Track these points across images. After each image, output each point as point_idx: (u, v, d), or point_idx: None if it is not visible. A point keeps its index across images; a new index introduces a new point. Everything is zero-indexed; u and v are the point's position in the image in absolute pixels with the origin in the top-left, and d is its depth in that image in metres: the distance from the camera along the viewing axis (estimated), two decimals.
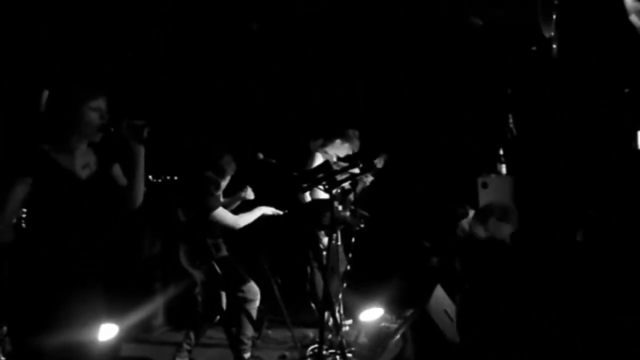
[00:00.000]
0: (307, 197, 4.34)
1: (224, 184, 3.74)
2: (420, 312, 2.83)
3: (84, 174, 2.35)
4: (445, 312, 3.18)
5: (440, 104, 4.82)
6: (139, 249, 4.49)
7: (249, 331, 3.64)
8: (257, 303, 3.61)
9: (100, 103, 2.33)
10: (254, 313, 3.57)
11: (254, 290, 3.61)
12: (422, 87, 4.91)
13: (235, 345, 3.57)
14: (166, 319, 4.66)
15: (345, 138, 4.48)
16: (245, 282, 3.60)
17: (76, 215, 2.31)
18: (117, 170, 2.51)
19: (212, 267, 3.46)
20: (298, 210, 4.00)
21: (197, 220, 3.52)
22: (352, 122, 4.50)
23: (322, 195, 4.36)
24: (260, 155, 4.01)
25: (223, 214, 3.51)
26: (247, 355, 3.64)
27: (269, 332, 4.36)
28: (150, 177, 4.55)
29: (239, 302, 3.55)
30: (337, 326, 3.45)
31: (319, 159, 4.41)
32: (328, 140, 4.50)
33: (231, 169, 3.73)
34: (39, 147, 2.27)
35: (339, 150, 4.44)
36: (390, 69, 4.96)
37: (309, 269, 4.49)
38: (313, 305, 4.48)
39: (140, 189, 2.46)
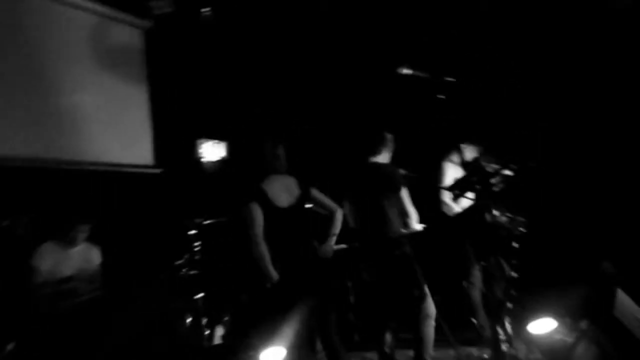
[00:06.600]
0: (454, 207, 4.19)
1: None
2: (608, 319, 2.54)
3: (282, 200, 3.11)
4: (636, 318, 2.83)
5: (593, 94, 4.42)
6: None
7: (430, 350, 3.51)
8: (433, 322, 3.51)
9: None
10: (432, 332, 3.47)
11: (432, 307, 3.53)
12: (572, 77, 4.56)
13: None
14: None
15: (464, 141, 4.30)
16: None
17: (279, 234, 3.10)
18: (315, 192, 3.26)
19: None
20: (450, 221, 3.87)
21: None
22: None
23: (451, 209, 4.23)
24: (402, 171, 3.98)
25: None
26: None
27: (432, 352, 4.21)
28: None
29: (420, 318, 3.47)
30: (509, 339, 3.22)
31: (449, 170, 4.28)
32: (451, 149, 4.36)
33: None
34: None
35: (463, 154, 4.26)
36: (538, 57, 4.68)
37: (464, 284, 4.30)
38: (474, 321, 4.27)
39: None
